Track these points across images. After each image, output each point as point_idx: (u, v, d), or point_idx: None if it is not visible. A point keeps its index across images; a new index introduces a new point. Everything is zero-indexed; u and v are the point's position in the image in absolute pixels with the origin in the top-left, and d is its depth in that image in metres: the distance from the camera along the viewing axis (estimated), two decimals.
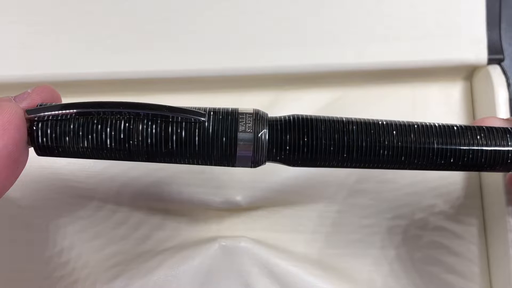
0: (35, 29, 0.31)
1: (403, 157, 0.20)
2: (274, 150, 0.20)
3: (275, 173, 0.30)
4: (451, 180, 0.31)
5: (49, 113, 0.20)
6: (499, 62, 0.30)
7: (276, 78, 0.31)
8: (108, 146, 0.20)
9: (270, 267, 0.29)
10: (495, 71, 0.30)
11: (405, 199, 0.30)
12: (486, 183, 0.30)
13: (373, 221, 0.31)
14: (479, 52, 0.30)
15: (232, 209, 0.30)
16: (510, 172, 0.26)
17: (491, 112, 0.29)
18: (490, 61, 0.30)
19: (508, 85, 0.29)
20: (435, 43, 0.30)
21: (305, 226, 0.31)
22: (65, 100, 0.32)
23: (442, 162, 0.21)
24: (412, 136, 0.21)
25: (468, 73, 0.32)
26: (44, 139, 0.20)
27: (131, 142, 0.20)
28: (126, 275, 0.29)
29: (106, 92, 0.32)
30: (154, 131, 0.20)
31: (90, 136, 0.20)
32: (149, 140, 0.20)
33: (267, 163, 0.21)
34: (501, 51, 0.30)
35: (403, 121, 0.21)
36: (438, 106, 0.32)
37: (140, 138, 0.20)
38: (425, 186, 0.30)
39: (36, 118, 0.20)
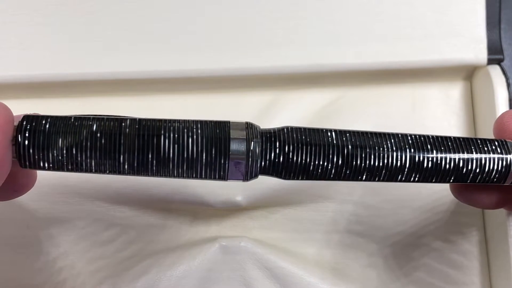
0: (35, 29, 0.31)
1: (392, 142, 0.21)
2: (269, 144, 0.20)
3: None
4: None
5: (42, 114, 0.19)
6: (499, 62, 0.30)
7: (276, 78, 0.31)
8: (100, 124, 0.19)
9: (270, 267, 0.29)
10: (495, 71, 0.30)
11: (405, 200, 0.30)
12: None
13: (371, 222, 0.31)
14: (479, 52, 0.30)
15: (232, 209, 0.30)
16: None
17: (491, 112, 0.29)
18: (490, 61, 0.30)
19: (508, 85, 0.29)
20: (435, 43, 0.30)
21: (305, 226, 0.31)
22: (64, 100, 0.32)
23: (434, 151, 0.21)
24: (397, 133, 0.21)
25: (468, 73, 0.32)
26: (34, 123, 0.19)
27: (123, 124, 0.19)
28: (125, 275, 0.29)
29: (106, 92, 0.32)
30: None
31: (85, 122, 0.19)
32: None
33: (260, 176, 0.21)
34: (501, 51, 0.30)
35: None
36: (438, 106, 0.32)
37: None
38: (425, 191, 0.30)
39: (26, 119, 0.19)
